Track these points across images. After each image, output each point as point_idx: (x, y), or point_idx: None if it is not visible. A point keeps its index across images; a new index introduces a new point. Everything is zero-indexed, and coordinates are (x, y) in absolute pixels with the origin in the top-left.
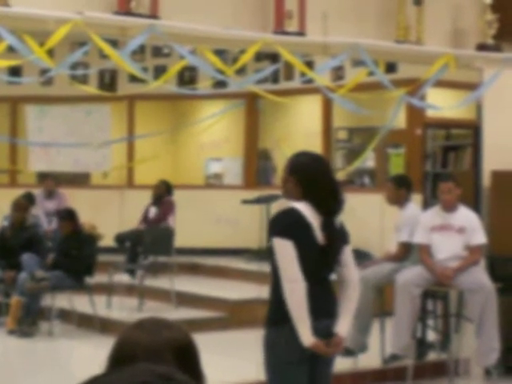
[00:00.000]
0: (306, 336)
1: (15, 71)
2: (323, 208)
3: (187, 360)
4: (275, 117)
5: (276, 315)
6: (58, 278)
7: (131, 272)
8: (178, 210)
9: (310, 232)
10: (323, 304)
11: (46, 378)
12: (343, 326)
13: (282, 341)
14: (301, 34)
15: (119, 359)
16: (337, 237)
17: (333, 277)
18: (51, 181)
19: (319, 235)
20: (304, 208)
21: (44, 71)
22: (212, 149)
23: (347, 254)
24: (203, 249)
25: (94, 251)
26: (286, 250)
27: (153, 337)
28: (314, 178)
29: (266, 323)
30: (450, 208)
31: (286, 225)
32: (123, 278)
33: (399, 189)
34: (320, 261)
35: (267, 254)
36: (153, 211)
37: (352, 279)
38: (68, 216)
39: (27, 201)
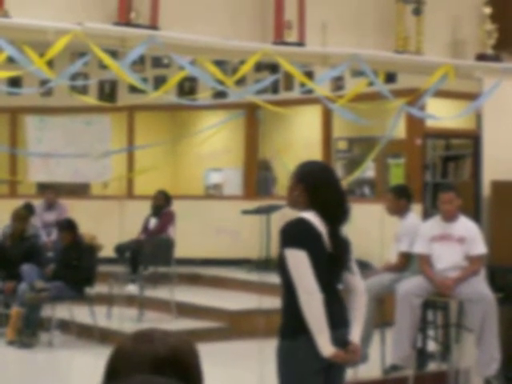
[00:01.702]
0: (326, 347)
1: (15, 82)
2: (330, 217)
3: (174, 374)
4: (275, 127)
5: (291, 327)
6: (57, 289)
7: (133, 282)
8: (178, 220)
9: (321, 241)
10: (338, 313)
11: None
12: (356, 334)
13: (299, 352)
14: (300, 44)
15: (114, 370)
16: (344, 245)
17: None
18: (51, 193)
19: (328, 244)
20: (312, 217)
21: (44, 82)
22: (212, 159)
23: (352, 263)
24: (203, 259)
25: (93, 262)
26: (300, 261)
27: (137, 348)
28: (321, 186)
29: (280, 335)
30: (450, 218)
31: (298, 235)
32: (129, 288)
33: (399, 199)
34: (331, 270)
35: (277, 265)
36: (153, 222)
37: (359, 287)
38: (68, 227)
39: (27, 211)
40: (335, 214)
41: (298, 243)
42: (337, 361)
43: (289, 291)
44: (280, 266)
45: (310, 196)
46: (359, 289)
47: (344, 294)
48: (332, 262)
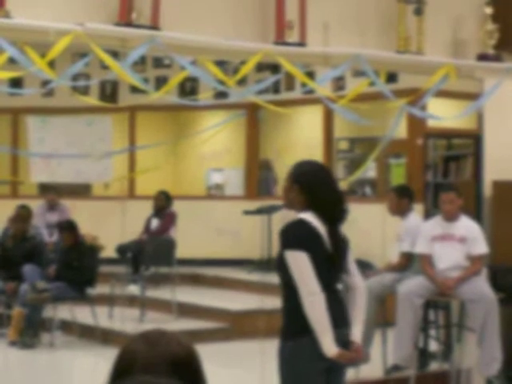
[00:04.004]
0: (330, 347)
1: (17, 82)
2: (327, 216)
3: (188, 374)
4: (276, 127)
5: (294, 328)
6: (59, 289)
7: (135, 282)
8: (180, 220)
9: (321, 242)
10: (339, 313)
11: None
12: (358, 333)
13: (303, 353)
14: (301, 44)
15: (119, 370)
16: (343, 244)
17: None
18: (54, 194)
19: (328, 244)
20: (311, 218)
21: (45, 82)
22: (213, 159)
23: (350, 261)
24: (204, 259)
25: (95, 262)
26: (301, 263)
27: (152, 349)
28: (317, 187)
29: (282, 336)
30: (451, 218)
31: (298, 236)
32: (131, 288)
33: (401, 199)
34: (331, 270)
35: (276, 266)
36: (154, 222)
37: (358, 286)
38: (69, 228)
39: (28, 212)
40: (332, 213)
41: (299, 244)
42: (340, 360)
43: (290, 292)
44: (279, 266)
45: (305, 197)
46: (358, 287)
47: (344, 293)
48: (331, 262)
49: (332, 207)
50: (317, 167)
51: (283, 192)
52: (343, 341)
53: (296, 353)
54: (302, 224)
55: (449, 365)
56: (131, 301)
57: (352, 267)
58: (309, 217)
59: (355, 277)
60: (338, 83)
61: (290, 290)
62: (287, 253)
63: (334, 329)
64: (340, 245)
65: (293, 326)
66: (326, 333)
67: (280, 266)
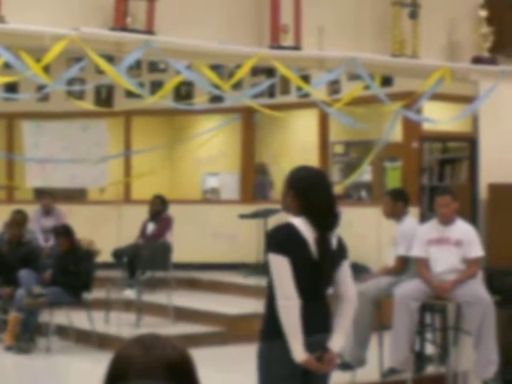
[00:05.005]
0: (298, 352)
1: (12, 87)
2: (320, 223)
3: (184, 378)
4: (272, 131)
5: (270, 329)
6: (55, 294)
7: (131, 287)
8: (175, 224)
9: (305, 248)
10: (316, 319)
11: None
12: (336, 342)
13: (275, 355)
14: (297, 48)
15: (114, 375)
16: (331, 252)
17: (330, 291)
18: (49, 199)
19: (314, 251)
20: (300, 223)
21: (40, 87)
22: (209, 163)
23: (344, 270)
24: (201, 264)
25: (91, 267)
26: (281, 266)
27: (148, 353)
28: (311, 193)
29: (259, 337)
30: (447, 221)
31: (281, 240)
32: (127, 293)
33: (396, 202)
34: (315, 277)
35: (264, 269)
36: (150, 227)
37: (348, 296)
38: (64, 233)
39: (23, 216)
40: (324, 220)
41: (281, 248)
42: (309, 367)
43: (271, 295)
44: (266, 269)
45: (300, 202)
46: (348, 298)
47: (332, 299)
48: (317, 269)
49: (325, 213)
50: (313, 173)
51: (281, 197)
52: (319, 346)
53: (270, 354)
54: (286, 228)
55: (445, 368)
56: (127, 305)
57: (345, 276)
58: (298, 222)
59: (347, 286)
60: (333, 87)
61: (271, 292)
62: (269, 256)
63: (310, 334)
64: (328, 252)
65: (269, 327)
66: (296, 338)
67: (266, 268)
